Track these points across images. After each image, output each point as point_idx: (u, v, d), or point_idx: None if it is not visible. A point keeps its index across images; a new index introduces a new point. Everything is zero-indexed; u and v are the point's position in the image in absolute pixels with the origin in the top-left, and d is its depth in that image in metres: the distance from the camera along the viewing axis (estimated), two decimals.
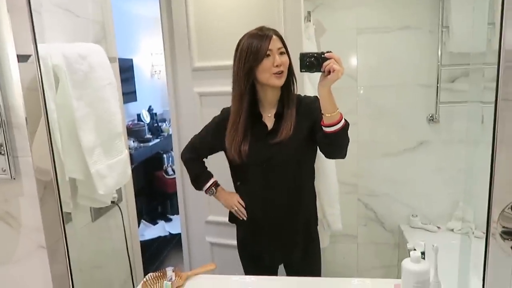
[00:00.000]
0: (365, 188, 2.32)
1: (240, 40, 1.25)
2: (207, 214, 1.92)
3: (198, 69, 1.79)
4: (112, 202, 1.35)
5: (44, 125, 0.83)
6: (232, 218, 1.43)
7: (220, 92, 1.67)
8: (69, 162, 1.05)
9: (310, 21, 2.01)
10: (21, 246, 0.88)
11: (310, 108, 1.26)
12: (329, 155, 1.29)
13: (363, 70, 2.20)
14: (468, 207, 1.56)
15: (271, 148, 1.26)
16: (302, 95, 1.37)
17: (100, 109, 1.14)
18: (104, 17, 1.40)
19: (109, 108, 1.17)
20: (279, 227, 1.34)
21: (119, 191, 1.42)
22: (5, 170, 0.82)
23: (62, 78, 1.01)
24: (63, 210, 0.85)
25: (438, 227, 2.19)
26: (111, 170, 1.17)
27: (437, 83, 2.11)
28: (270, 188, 1.31)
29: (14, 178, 0.83)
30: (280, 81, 1.24)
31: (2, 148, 0.81)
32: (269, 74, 1.22)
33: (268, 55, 1.21)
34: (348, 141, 1.20)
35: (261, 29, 1.24)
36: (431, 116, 2.16)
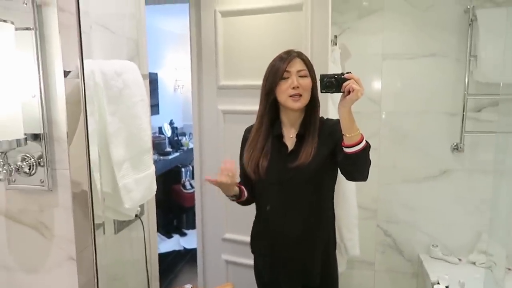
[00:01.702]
0: (384, 214, 2.28)
1: (270, 62, 1.29)
2: (224, 231, 1.91)
3: (223, 87, 1.82)
4: (136, 215, 1.36)
5: (82, 139, 0.85)
6: (254, 246, 1.44)
7: (244, 110, 1.70)
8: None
9: (336, 44, 2.03)
10: (52, 255, 0.90)
11: (332, 130, 1.27)
12: (350, 177, 1.29)
13: (387, 95, 2.20)
14: (493, 240, 1.52)
15: (290, 169, 1.26)
16: (325, 117, 1.37)
17: (132, 125, 1.17)
18: (139, 35, 1.44)
19: (140, 124, 1.19)
20: (297, 248, 1.32)
21: (141, 205, 1.43)
22: (43, 181, 0.85)
23: (99, 93, 1.05)
24: (95, 222, 0.87)
25: (459, 259, 2.13)
26: (138, 185, 1.19)
27: (463, 112, 2.09)
28: (289, 208, 1.31)
29: (51, 190, 0.86)
30: (296, 104, 1.25)
31: (41, 160, 0.84)
32: (286, 96, 1.24)
33: (286, 77, 1.24)
34: (370, 163, 1.19)
35: (288, 52, 1.27)
36: (455, 145, 2.13)
